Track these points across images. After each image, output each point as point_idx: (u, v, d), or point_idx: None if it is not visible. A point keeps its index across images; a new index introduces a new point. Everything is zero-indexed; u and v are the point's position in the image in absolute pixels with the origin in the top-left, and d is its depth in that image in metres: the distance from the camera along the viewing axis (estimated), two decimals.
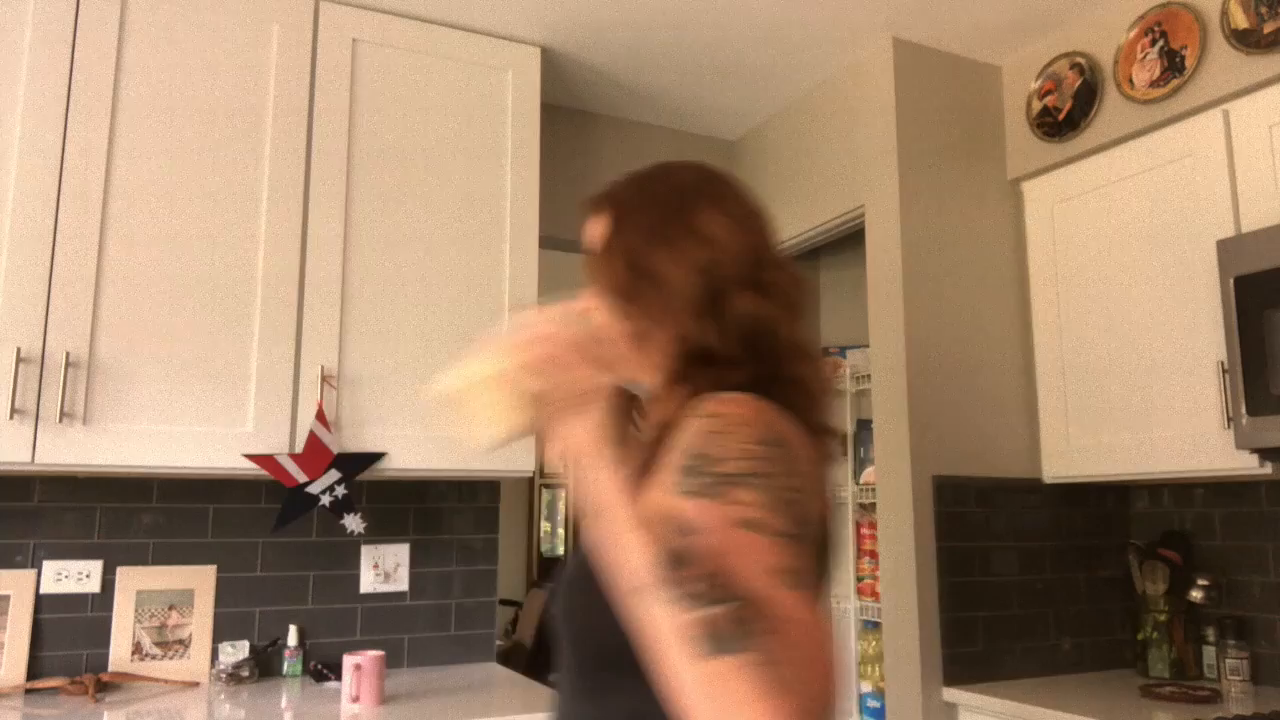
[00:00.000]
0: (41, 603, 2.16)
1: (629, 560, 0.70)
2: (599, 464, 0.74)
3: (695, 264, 0.85)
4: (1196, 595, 2.33)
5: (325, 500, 2.11)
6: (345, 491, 2.13)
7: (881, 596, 2.42)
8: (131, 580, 2.23)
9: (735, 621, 0.63)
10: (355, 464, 2.15)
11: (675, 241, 0.86)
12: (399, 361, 2.25)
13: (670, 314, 0.85)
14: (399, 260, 2.29)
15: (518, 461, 2.34)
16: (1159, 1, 2.26)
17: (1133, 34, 2.31)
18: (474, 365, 0.78)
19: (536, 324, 0.79)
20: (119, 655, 2.18)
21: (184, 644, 2.24)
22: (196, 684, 2.20)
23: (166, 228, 2.08)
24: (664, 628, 0.66)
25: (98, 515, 2.23)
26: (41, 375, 1.92)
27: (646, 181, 0.93)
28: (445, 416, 2.28)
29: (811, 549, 0.71)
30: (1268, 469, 1.99)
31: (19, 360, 1.90)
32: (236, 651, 2.26)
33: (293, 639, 2.33)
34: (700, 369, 0.84)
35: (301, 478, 2.09)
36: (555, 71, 2.75)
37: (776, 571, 0.67)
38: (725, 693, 0.62)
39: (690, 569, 0.66)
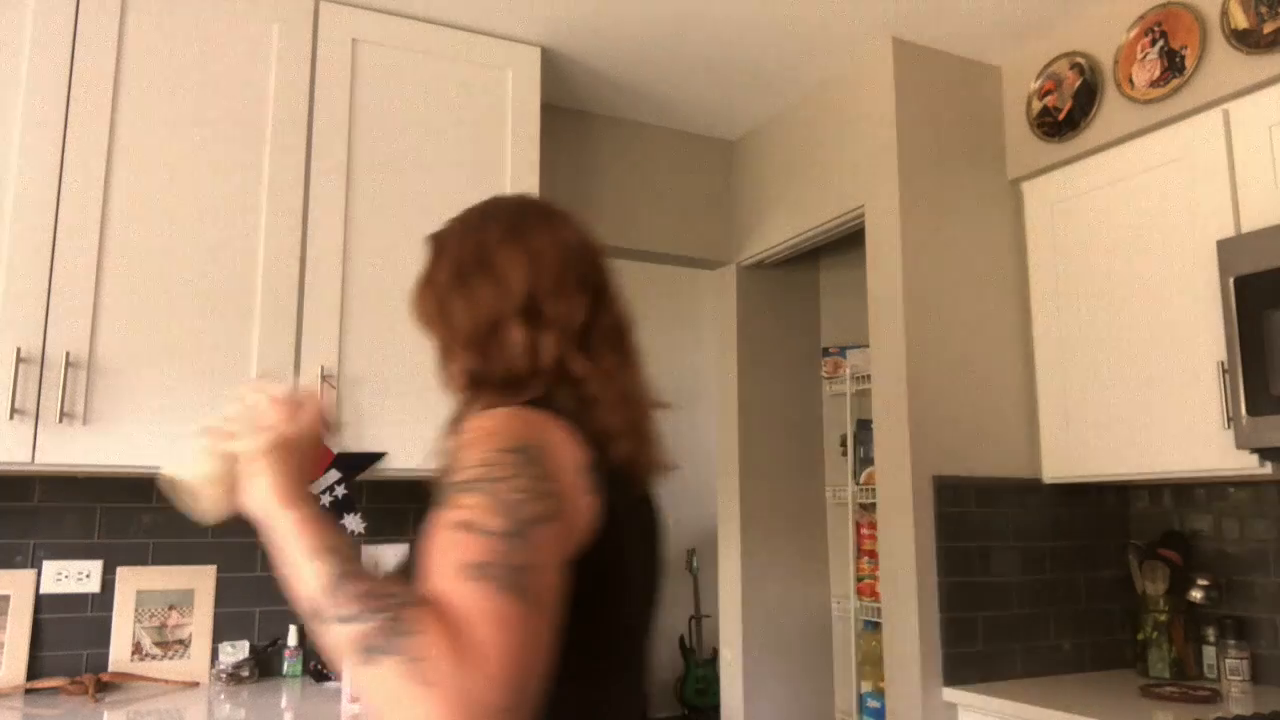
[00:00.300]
0: (41, 603, 2.16)
1: (306, 588, 0.82)
2: (276, 512, 0.87)
3: (481, 303, 1.00)
4: (1196, 595, 2.33)
5: (325, 500, 2.11)
6: (345, 491, 2.13)
7: (881, 596, 2.42)
8: (131, 580, 2.23)
9: (382, 632, 0.75)
10: (355, 464, 2.15)
11: (470, 282, 1.02)
12: (399, 361, 2.25)
13: (456, 345, 1.02)
14: (399, 260, 2.29)
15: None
16: (1159, 1, 2.26)
17: (1133, 34, 2.31)
18: (196, 457, 0.92)
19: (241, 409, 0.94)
20: (119, 655, 2.18)
21: (184, 644, 2.24)
22: (196, 684, 2.20)
23: (166, 228, 2.08)
24: (335, 643, 0.78)
25: (98, 515, 2.23)
26: (41, 375, 1.91)
27: (468, 222, 1.08)
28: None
29: (536, 543, 0.80)
30: (1268, 469, 1.99)
31: (19, 360, 1.90)
32: (236, 651, 2.26)
33: (293, 639, 2.33)
34: (485, 390, 0.99)
35: None
36: (555, 71, 2.75)
37: (470, 566, 0.76)
38: (384, 691, 0.73)
39: (345, 592, 0.79)
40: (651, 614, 1.02)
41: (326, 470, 2.11)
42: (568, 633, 0.84)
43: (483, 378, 0.99)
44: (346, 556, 0.82)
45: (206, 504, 0.92)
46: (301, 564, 0.83)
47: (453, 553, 0.78)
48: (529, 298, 0.99)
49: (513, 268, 1.00)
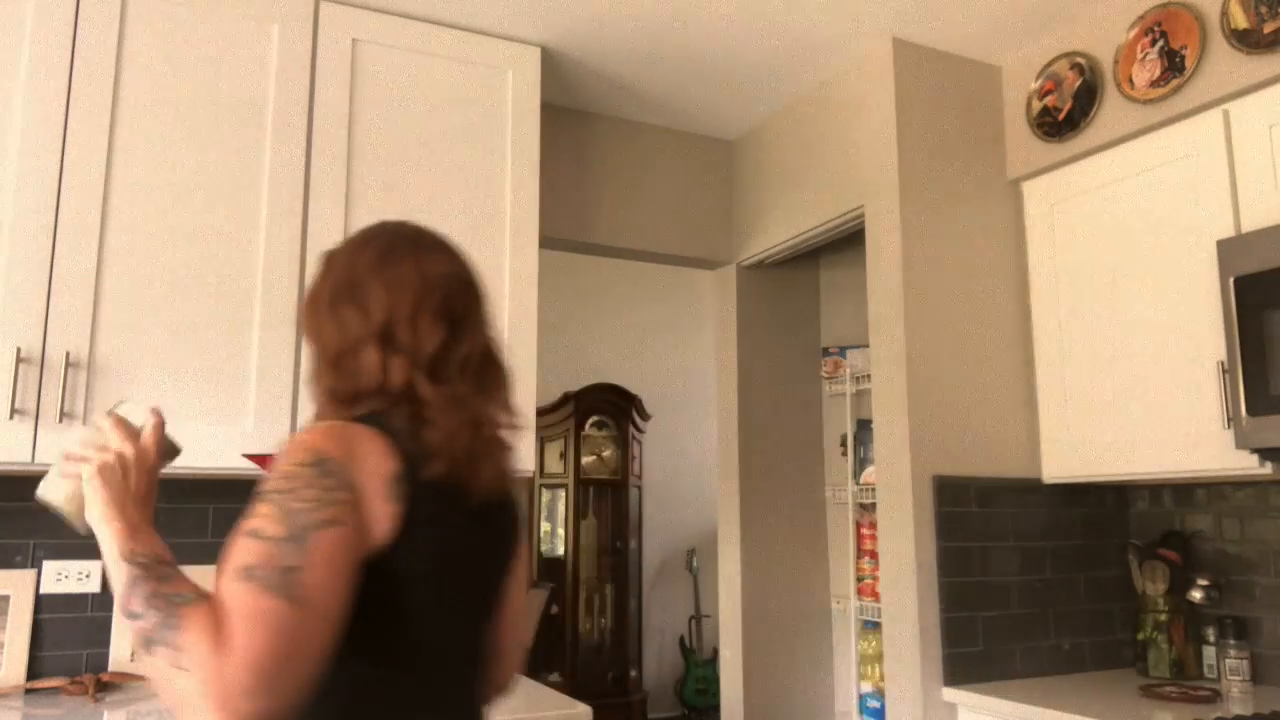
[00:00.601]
0: (41, 603, 2.16)
1: (115, 590, 0.96)
2: (100, 524, 1.01)
3: (347, 328, 1.10)
4: (1196, 595, 2.33)
5: None
6: None
7: (881, 596, 2.42)
8: None
9: (157, 626, 0.90)
10: None
11: (340, 307, 1.11)
12: None
13: (322, 364, 1.12)
14: None
15: (518, 461, 2.33)
16: (1159, 1, 2.26)
17: (1133, 34, 2.31)
18: (54, 479, 1.08)
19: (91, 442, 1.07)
20: (119, 655, 2.18)
21: None
22: None
23: (167, 228, 2.08)
24: (132, 635, 0.95)
25: None
26: (41, 375, 1.91)
27: (352, 245, 1.17)
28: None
29: (312, 548, 0.92)
30: (1268, 469, 1.99)
31: (19, 360, 1.90)
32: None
33: None
34: (334, 405, 1.10)
35: None
36: (555, 71, 2.75)
37: (242, 569, 0.90)
38: (159, 677, 0.90)
39: (137, 593, 0.93)
40: (470, 616, 1.12)
41: None
42: (360, 621, 0.98)
43: (337, 395, 1.10)
44: (150, 564, 0.95)
45: (71, 519, 1.07)
46: (113, 569, 0.97)
47: (235, 556, 0.92)
48: (386, 324, 1.09)
49: (375, 295, 1.10)
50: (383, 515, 0.99)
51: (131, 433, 1.08)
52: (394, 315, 1.10)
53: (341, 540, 0.94)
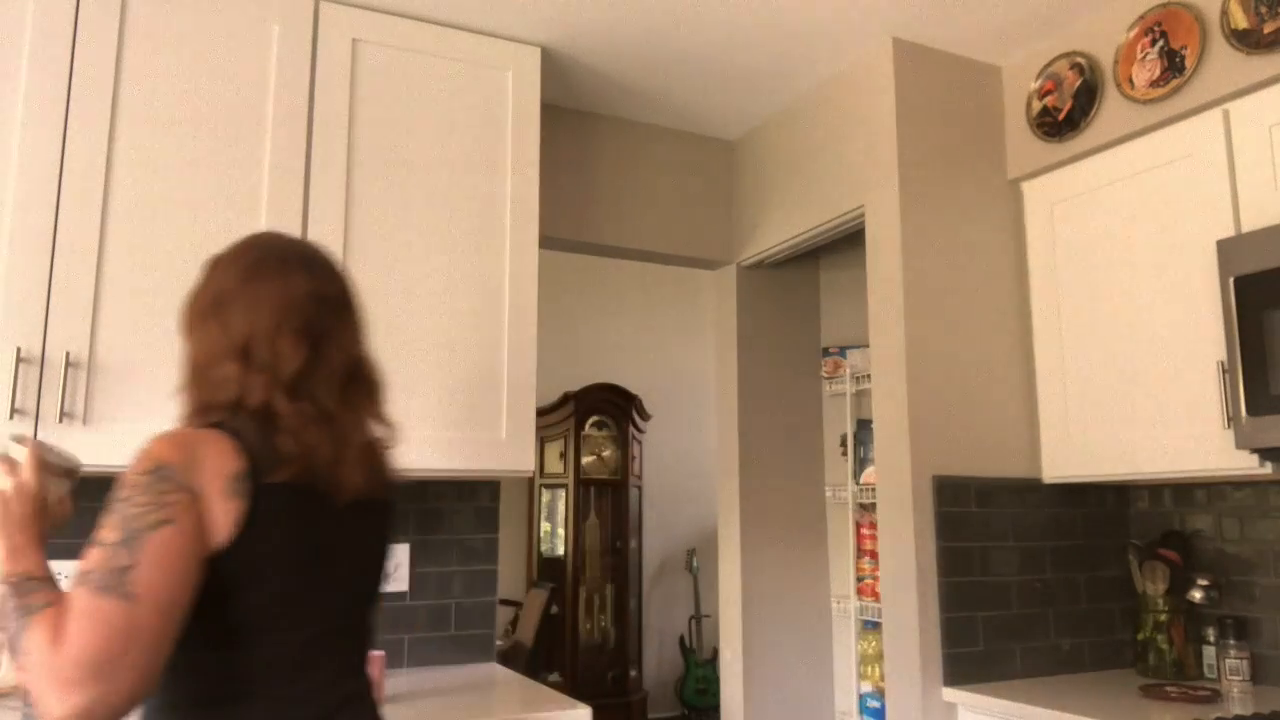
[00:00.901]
0: None
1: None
2: None
3: (211, 341, 1.17)
4: (1196, 595, 2.33)
5: None
6: None
7: (881, 596, 2.42)
8: None
9: (17, 631, 1.00)
10: None
11: (208, 321, 1.19)
12: (398, 361, 2.25)
13: (189, 373, 1.20)
14: (398, 260, 2.29)
15: (518, 461, 2.34)
16: (1159, 1, 2.26)
17: (1133, 34, 2.31)
18: None
19: None
20: None
21: None
22: None
23: (166, 227, 2.08)
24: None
25: (98, 515, 2.23)
26: (41, 375, 1.92)
27: (227, 257, 1.23)
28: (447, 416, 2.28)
29: (145, 547, 1.01)
30: (1268, 469, 1.99)
31: (19, 360, 1.90)
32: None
33: None
34: (195, 415, 1.18)
35: None
36: (555, 71, 2.75)
37: (81, 574, 1.01)
38: (18, 674, 1.00)
39: (8, 606, 1.03)
40: (341, 601, 1.20)
41: None
42: (209, 609, 1.07)
43: (198, 405, 1.18)
44: (19, 582, 1.04)
45: None
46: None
47: (84, 563, 1.02)
48: (245, 342, 1.16)
49: (237, 312, 1.17)
50: (223, 512, 1.08)
51: (12, 466, 1.15)
52: (254, 333, 1.17)
53: (174, 538, 1.03)
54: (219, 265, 1.23)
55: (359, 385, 1.24)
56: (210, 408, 1.16)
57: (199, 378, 1.18)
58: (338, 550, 1.19)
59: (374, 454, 1.26)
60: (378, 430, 1.27)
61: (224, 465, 1.09)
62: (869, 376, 2.82)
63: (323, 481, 1.16)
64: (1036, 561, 2.47)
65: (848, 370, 3.17)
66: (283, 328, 1.17)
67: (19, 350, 1.90)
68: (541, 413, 5.13)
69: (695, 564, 5.62)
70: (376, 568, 1.28)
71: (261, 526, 1.10)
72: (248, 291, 1.18)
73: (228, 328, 1.17)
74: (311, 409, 1.16)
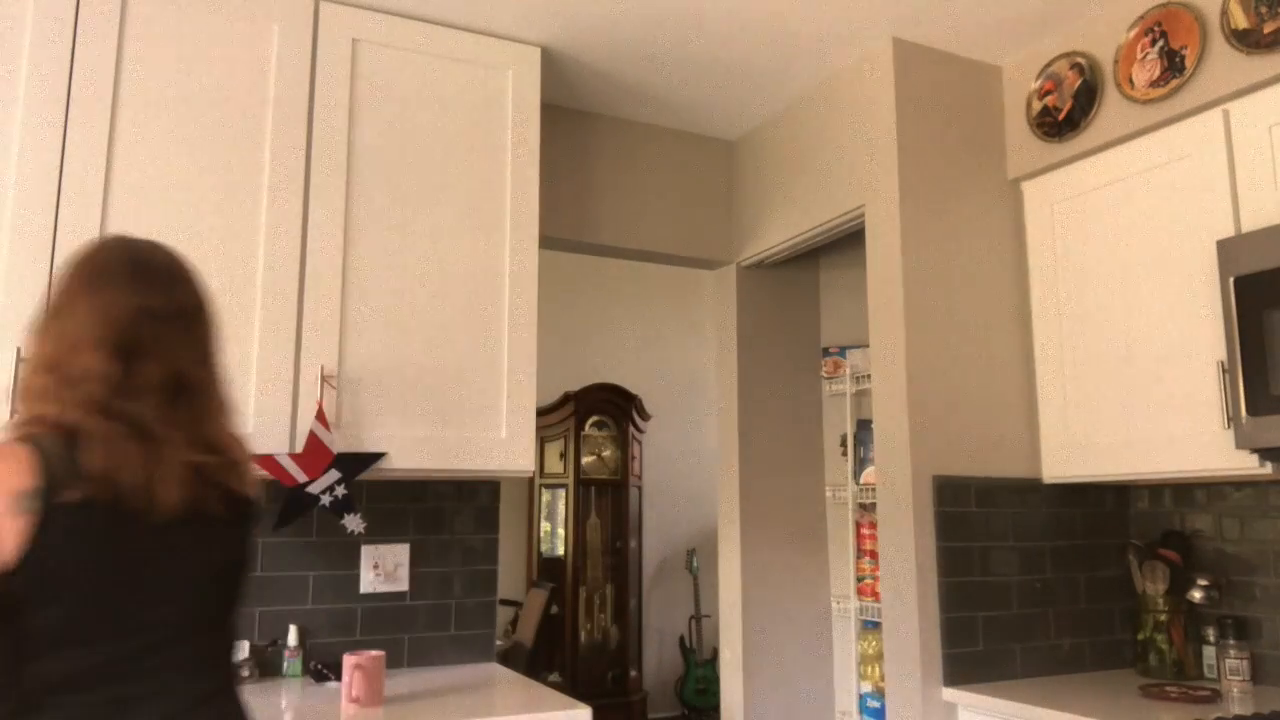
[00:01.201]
0: None
1: None
2: None
3: (33, 352, 1.19)
4: (1196, 595, 2.33)
5: (325, 500, 2.12)
6: (345, 491, 2.13)
7: (881, 596, 2.42)
8: None
9: None
10: (355, 464, 2.15)
11: (37, 333, 1.21)
12: (399, 361, 2.25)
13: (20, 384, 1.20)
14: (399, 260, 2.29)
15: (518, 461, 2.34)
16: (1159, 1, 2.26)
17: (1133, 34, 2.31)
18: None
19: None
20: None
21: None
22: None
23: (166, 228, 2.08)
24: None
25: None
26: None
27: (62, 271, 1.23)
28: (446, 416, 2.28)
29: None
30: (1268, 469, 1.99)
31: (19, 360, 1.90)
32: (236, 651, 2.26)
33: (293, 639, 2.33)
34: (15, 424, 1.17)
35: (301, 477, 2.09)
36: (555, 71, 2.75)
37: None
38: None
39: None
40: (135, 620, 1.17)
41: (326, 470, 2.11)
42: (5, 623, 1.09)
43: (18, 413, 1.19)
44: None
45: None
46: None
47: None
48: (57, 357, 1.17)
49: (56, 325, 1.19)
50: (8, 530, 1.09)
51: None
52: (65, 348, 1.17)
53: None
54: (63, 274, 1.23)
55: (188, 400, 1.23)
56: (32, 420, 1.16)
57: (24, 386, 1.19)
58: (154, 566, 1.18)
59: (211, 469, 1.24)
60: (220, 445, 1.25)
61: (13, 482, 1.10)
62: (869, 376, 2.82)
63: (131, 499, 1.15)
64: (1036, 561, 2.47)
65: (848, 370, 3.17)
66: (92, 342, 1.17)
67: (19, 350, 1.90)
68: (541, 413, 5.13)
69: (695, 564, 5.62)
70: (218, 580, 1.26)
71: (50, 544, 1.10)
72: (68, 305, 1.20)
73: (44, 342, 1.19)
74: (123, 426, 1.15)
